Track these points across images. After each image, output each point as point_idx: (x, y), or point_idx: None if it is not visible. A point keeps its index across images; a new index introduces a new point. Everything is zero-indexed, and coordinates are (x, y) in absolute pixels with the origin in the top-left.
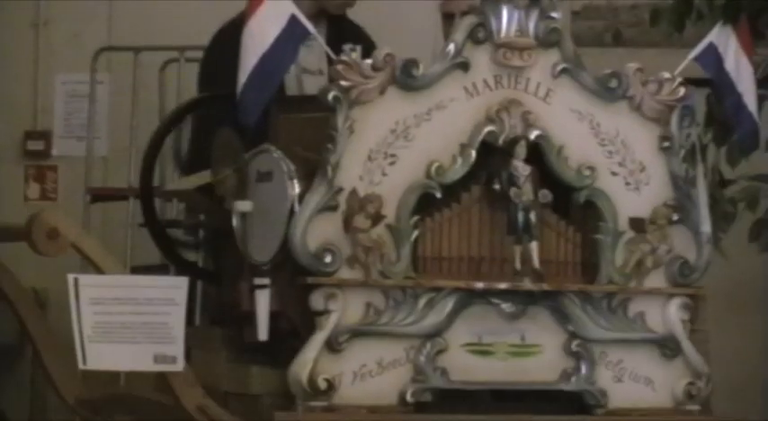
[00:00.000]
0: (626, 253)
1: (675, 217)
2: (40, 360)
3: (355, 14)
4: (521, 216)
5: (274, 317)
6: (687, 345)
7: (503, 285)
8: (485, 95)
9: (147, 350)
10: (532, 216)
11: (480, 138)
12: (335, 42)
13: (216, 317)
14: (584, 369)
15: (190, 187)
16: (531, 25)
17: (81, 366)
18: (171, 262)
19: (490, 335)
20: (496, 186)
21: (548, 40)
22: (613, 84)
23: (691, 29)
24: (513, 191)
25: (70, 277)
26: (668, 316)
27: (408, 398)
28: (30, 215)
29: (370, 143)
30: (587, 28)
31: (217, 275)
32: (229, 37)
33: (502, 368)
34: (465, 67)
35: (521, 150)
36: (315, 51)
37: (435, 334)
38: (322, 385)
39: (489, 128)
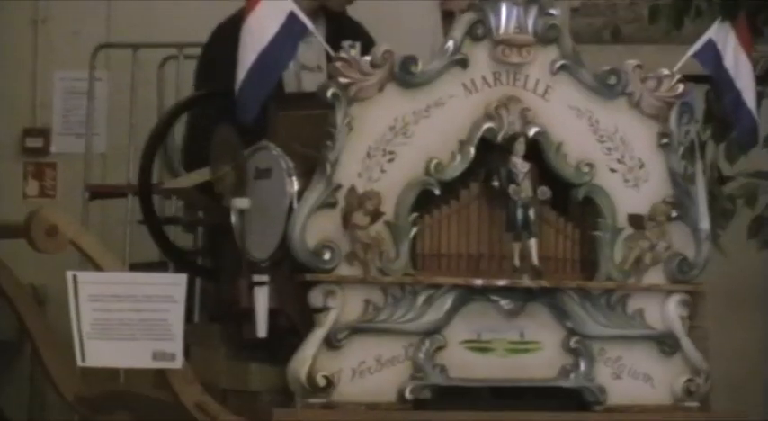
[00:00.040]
0: (625, 249)
1: (674, 214)
2: (39, 357)
3: (354, 12)
4: (519, 213)
5: (273, 314)
6: (686, 342)
7: (502, 282)
8: (483, 92)
9: (146, 347)
10: (531, 213)
11: (479, 134)
12: (335, 39)
13: (215, 314)
14: (583, 366)
15: (189, 185)
16: (530, 22)
17: (80, 363)
18: (170, 259)
19: (489, 332)
20: (495, 183)
21: (546, 37)
22: (612, 80)
23: (689, 26)
24: (511, 187)
25: (69, 274)
26: (667, 312)
27: (407, 395)
28: (29, 212)
29: (368, 140)
30: (586, 25)
31: (215, 272)
32: (228, 34)
33: (501, 365)
34: (464, 63)
35: (519, 147)
36: (314, 48)
37: (434, 331)
38: (321, 382)
39: (488, 124)
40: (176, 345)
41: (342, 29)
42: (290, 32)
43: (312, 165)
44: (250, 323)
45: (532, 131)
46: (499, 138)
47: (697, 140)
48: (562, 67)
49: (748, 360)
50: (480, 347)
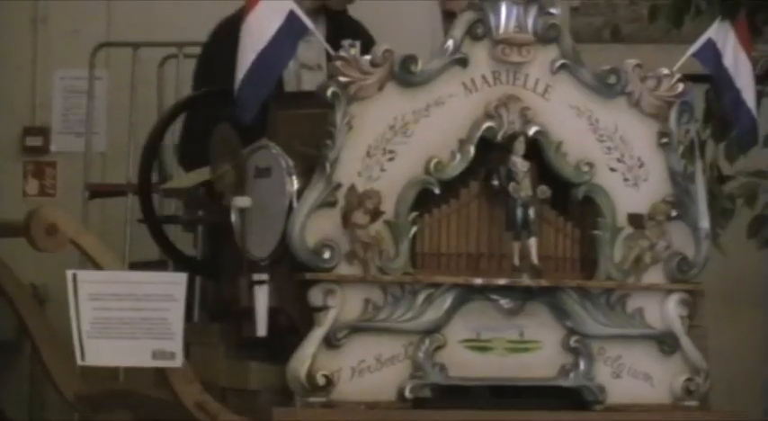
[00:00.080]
0: (624, 249)
1: (674, 213)
2: (39, 356)
3: (354, 11)
4: (519, 212)
5: (273, 313)
6: (685, 341)
7: (501, 281)
8: (483, 91)
9: (146, 346)
10: (531, 212)
11: (479, 134)
12: (335, 38)
13: (214, 313)
14: (582, 365)
15: (188, 185)
16: (530, 21)
17: (79, 362)
18: (169, 258)
19: (489, 331)
20: (495, 182)
21: (546, 36)
22: (612, 80)
23: (689, 25)
24: (511, 185)
25: (69, 273)
26: (667, 312)
27: (407, 393)
28: (28, 211)
29: (368, 139)
30: (586, 24)
31: (215, 271)
32: (227, 33)
33: (500, 364)
34: (464, 63)
35: (519, 146)
36: (314, 47)
37: (434, 330)
38: (320, 381)
39: (488, 124)
40: (176, 344)
41: (342, 28)
42: (290, 31)
43: (312, 164)
44: (250, 322)
45: (532, 130)
46: (499, 137)
47: (697, 140)
48: (562, 67)
49: (748, 359)
50: (480, 346)
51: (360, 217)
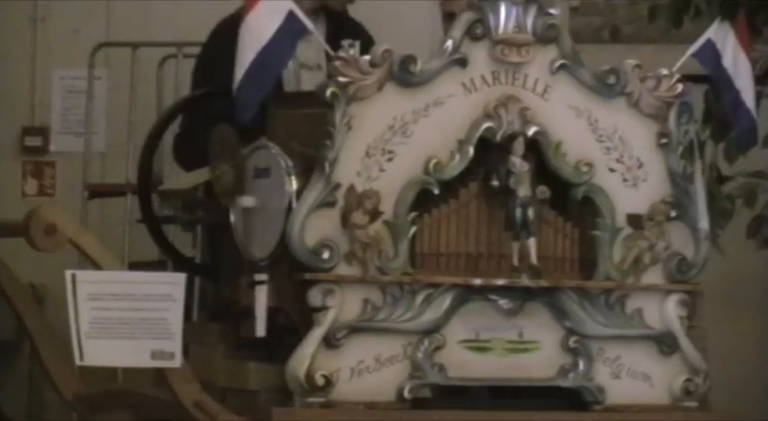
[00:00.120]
0: (624, 249)
1: (673, 213)
2: (38, 356)
3: (354, 12)
4: (518, 212)
5: (272, 313)
6: (685, 342)
7: (500, 281)
8: (482, 91)
9: (145, 346)
10: (530, 212)
11: (478, 134)
12: (334, 38)
13: (213, 313)
14: (581, 365)
15: (187, 186)
16: (529, 21)
17: (78, 362)
18: (168, 258)
19: (488, 331)
20: (494, 182)
21: (546, 37)
22: (611, 80)
23: (689, 25)
24: (512, 180)
25: (68, 273)
26: (666, 312)
27: (406, 394)
28: (27, 211)
29: (367, 139)
30: (585, 24)
31: (214, 271)
32: (227, 32)
33: (499, 364)
34: (463, 63)
35: (518, 146)
36: (313, 46)
37: (433, 330)
38: (319, 381)
39: (487, 124)
40: (175, 344)
41: (342, 28)
42: (289, 31)
43: (311, 164)
44: (249, 322)
45: (531, 131)
46: (498, 137)
47: (696, 140)
48: (561, 67)
49: (747, 359)
50: (479, 347)
51: (359, 217)
